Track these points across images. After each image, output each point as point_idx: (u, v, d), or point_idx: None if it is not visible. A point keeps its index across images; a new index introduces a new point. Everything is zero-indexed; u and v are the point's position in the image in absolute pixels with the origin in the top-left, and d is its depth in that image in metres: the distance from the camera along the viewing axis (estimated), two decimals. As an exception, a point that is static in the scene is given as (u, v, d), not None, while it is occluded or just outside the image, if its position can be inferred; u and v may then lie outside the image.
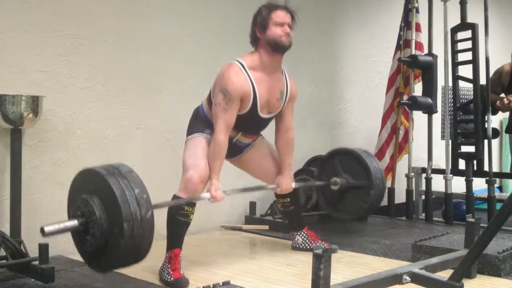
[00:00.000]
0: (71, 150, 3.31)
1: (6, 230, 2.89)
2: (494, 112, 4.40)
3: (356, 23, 5.13)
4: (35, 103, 2.92)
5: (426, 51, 4.51)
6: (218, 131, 2.83)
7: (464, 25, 4.27)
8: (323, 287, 1.85)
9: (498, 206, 3.61)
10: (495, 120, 5.77)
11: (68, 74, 3.28)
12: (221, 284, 2.42)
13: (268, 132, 3.24)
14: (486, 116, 4.22)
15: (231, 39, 3.95)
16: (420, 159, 5.18)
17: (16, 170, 2.90)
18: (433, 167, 4.49)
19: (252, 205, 4.14)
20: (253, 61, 2.91)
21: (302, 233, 3.37)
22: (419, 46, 4.62)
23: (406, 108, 4.55)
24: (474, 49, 4.17)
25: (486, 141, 4.23)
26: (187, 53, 3.82)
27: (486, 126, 4.22)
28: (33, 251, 2.81)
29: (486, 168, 4.31)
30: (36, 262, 2.66)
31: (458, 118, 4.32)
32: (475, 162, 4.32)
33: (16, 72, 3.07)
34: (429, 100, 4.32)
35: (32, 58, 3.13)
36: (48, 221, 3.17)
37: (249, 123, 2.98)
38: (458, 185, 4.65)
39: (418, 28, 4.64)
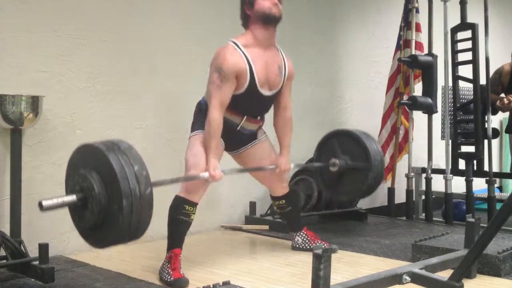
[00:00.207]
0: (71, 150, 3.28)
1: (6, 230, 2.89)
2: (494, 112, 4.40)
3: (356, 23, 5.13)
4: (35, 103, 2.92)
5: (426, 51, 4.51)
6: (212, 109, 2.81)
7: (464, 25, 4.27)
8: (323, 287, 1.85)
9: (498, 206, 3.61)
10: (495, 120, 5.77)
11: (68, 74, 3.28)
12: (221, 284, 2.42)
13: (269, 132, 3.24)
14: (486, 116, 4.22)
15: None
16: (420, 159, 5.18)
17: (16, 170, 2.90)
18: (433, 167, 4.49)
19: (252, 205, 4.14)
20: (247, 39, 2.91)
21: (302, 233, 3.37)
22: (419, 46, 4.63)
23: (406, 108, 4.55)
24: (474, 49, 4.17)
25: (486, 141, 4.23)
26: (187, 53, 3.82)
27: (486, 126, 4.22)
28: (33, 251, 2.82)
29: (486, 168, 4.31)
30: (36, 262, 2.66)
31: (458, 118, 4.32)
32: (475, 162, 4.32)
33: (16, 72, 3.07)
34: (429, 100, 4.32)
35: (32, 58, 3.13)
36: (47, 221, 3.19)
37: (251, 102, 2.95)
38: (458, 185, 4.65)
39: (418, 28, 4.64)
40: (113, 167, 2.11)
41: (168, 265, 2.76)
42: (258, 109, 3.05)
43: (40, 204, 2.14)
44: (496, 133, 4.42)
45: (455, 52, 4.30)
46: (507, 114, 4.70)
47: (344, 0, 5.02)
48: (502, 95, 4.44)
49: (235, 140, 3.04)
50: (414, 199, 4.62)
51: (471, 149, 4.23)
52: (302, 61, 4.61)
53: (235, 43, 2.88)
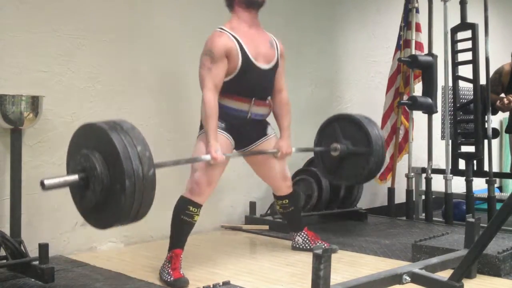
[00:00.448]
0: (71, 150, 3.30)
1: (6, 230, 2.89)
2: (494, 112, 4.40)
3: (356, 23, 5.13)
4: (35, 103, 2.92)
5: (426, 51, 4.51)
6: (205, 90, 2.83)
7: (464, 25, 4.27)
8: (323, 287, 1.85)
9: (498, 206, 3.61)
10: (495, 120, 5.77)
11: (68, 74, 3.28)
12: (221, 284, 2.42)
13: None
14: (486, 116, 4.22)
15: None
16: (420, 159, 5.18)
17: (16, 170, 2.90)
18: (433, 167, 4.49)
19: (252, 205, 4.14)
20: (231, 22, 2.96)
21: (302, 233, 3.37)
22: (419, 46, 4.63)
23: (406, 108, 4.55)
24: (474, 49, 4.17)
25: (486, 141, 4.23)
26: (187, 53, 3.82)
27: (486, 126, 4.22)
28: (33, 251, 2.82)
29: (486, 168, 4.31)
30: (36, 262, 2.65)
31: (458, 118, 4.32)
32: (475, 162, 4.32)
33: (16, 72, 3.07)
34: (429, 100, 4.32)
35: (32, 58, 3.13)
36: (47, 221, 3.19)
37: (253, 80, 2.94)
38: (458, 185, 4.65)
39: (418, 28, 4.64)
40: (116, 147, 2.10)
41: (169, 265, 2.76)
42: (262, 87, 3.03)
43: (42, 183, 2.12)
44: (496, 133, 4.42)
45: (455, 52, 4.30)
46: (507, 114, 4.70)
47: (344, 0, 5.02)
48: (502, 95, 4.44)
49: (245, 135, 3.03)
50: (414, 199, 4.62)
51: (471, 149, 4.23)
52: (302, 61, 4.61)
53: (221, 28, 2.93)
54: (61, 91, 3.24)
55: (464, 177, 4.25)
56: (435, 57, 4.34)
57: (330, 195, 4.12)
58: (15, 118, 2.86)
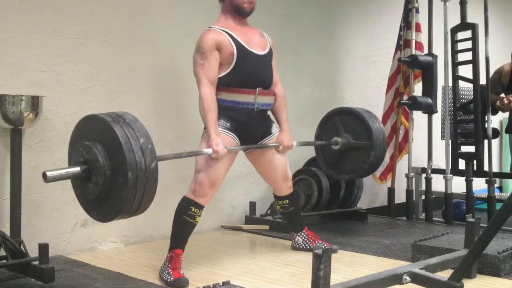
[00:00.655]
0: (71, 150, 3.30)
1: (6, 230, 2.89)
2: (494, 112, 4.40)
3: (356, 23, 5.13)
4: (35, 103, 2.92)
5: (426, 51, 4.51)
6: (200, 86, 2.86)
7: (464, 25, 4.27)
8: (323, 287, 1.85)
9: (498, 206, 3.61)
10: (495, 120, 5.77)
11: (68, 74, 3.28)
12: (221, 284, 2.42)
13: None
14: (486, 116, 4.22)
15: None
16: (420, 159, 5.18)
17: (16, 170, 2.90)
18: (433, 167, 4.49)
19: (252, 205, 4.14)
20: (220, 20, 3.02)
21: (302, 233, 3.37)
22: (419, 46, 4.62)
23: (406, 108, 4.55)
24: (474, 49, 4.17)
25: (486, 141, 4.23)
26: (187, 53, 3.82)
27: (486, 126, 4.22)
28: (33, 251, 2.82)
29: (486, 168, 4.31)
30: (36, 262, 2.66)
31: (458, 118, 4.32)
32: (475, 162, 4.32)
33: (16, 72, 3.07)
34: (429, 100, 4.32)
35: (32, 58, 3.13)
36: (47, 221, 3.19)
37: (252, 68, 2.96)
38: (458, 185, 4.65)
39: (418, 28, 4.64)
40: (119, 139, 2.09)
41: (169, 265, 2.76)
42: (262, 75, 3.03)
43: (44, 175, 2.12)
44: (496, 133, 4.42)
45: (455, 52, 4.30)
46: (507, 114, 4.70)
47: (344, 0, 5.02)
48: (502, 95, 4.43)
49: (250, 133, 3.03)
50: (414, 199, 4.62)
51: (471, 149, 4.23)
52: (302, 61, 4.61)
53: (209, 27, 2.98)
54: (61, 91, 3.24)
55: (464, 177, 4.25)
56: (435, 57, 4.34)
57: (330, 195, 4.12)
58: (15, 118, 2.86)
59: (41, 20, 3.16)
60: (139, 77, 3.60)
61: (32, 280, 2.67)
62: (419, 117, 4.79)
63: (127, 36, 3.54)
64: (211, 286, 2.32)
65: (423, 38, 4.60)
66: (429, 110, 4.37)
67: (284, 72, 4.32)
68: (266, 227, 3.95)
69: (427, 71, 4.34)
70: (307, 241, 3.35)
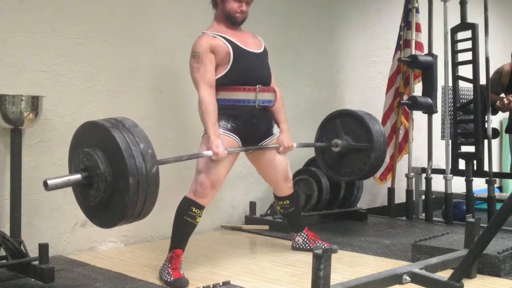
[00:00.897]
0: (71, 150, 3.30)
1: (6, 230, 2.89)
2: (494, 112, 4.40)
3: (356, 23, 5.13)
4: (35, 103, 2.92)
5: (426, 51, 4.51)
6: (199, 90, 2.88)
7: (464, 25, 4.27)
8: (323, 287, 1.85)
9: (498, 206, 3.61)
10: (495, 120, 5.77)
11: (68, 74, 3.28)
12: (221, 284, 2.41)
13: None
14: (486, 116, 4.22)
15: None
16: (420, 159, 5.18)
17: (16, 170, 2.90)
18: (433, 167, 4.49)
19: (252, 205, 4.14)
20: (213, 26, 3.05)
21: (302, 234, 3.37)
22: (419, 46, 4.62)
23: (406, 108, 4.55)
24: (474, 49, 4.17)
25: (486, 141, 4.23)
26: (187, 53, 3.82)
27: (486, 126, 4.22)
28: (33, 251, 2.82)
29: (486, 168, 4.31)
30: (36, 262, 2.66)
31: (458, 118, 4.32)
32: (475, 162, 4.32)
33: (16, 72, 3.07)
34: (429, 100, 4.32)
35: (32, 58, 3.13)
36: (47, 221, 3.19)
37: (250, 65, 2.98)
38: (458, 185, 4.65)
39: (418, 28, 4.64)
40: (119, 145, 2.09)
41: (169, 265, 2.76)
42: (261, 71, 3.05)
43: (45, 183, 2.12)
44: (496, 133, 4.42)
45: (455, 52, 4.30)
46: (507, 114, 4.70)
47: (344, 0, 5.02)
48: (502, 95, 4.43)
49: (252, 133, 3.02)
50: (414, 199, 4.61)
51: (471, 149, 4.23)
52: (302, 61, 4.61)
53: (203, 32, 3.01)
54: (61, 91, 3.24)
55: (464, 177, 4.25)
56: (435, 57, 4.34)
57: (330, 195, 4.12)
58: (15, 118, 2.86)
59: (41, 20, 3.16)
60: (139, 77, 3.60)
61: (32, 280, 2.67)
62: (419, 117, 4.78)
63: (127, 36, 3.54)
64: (211, 286, 2.32)
65: (423, 38, 4.60)
66: (429, 110, 4.37)
67: (284, 72, 4.33)
68: (266, 227, 3.95)
69: (427, 71, 4.34)
70: (307, 241, 3.35)
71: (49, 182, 2.13)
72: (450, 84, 4.36)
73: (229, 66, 2.93)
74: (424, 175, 4.55)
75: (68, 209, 3.22)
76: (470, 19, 4.27)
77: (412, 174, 4.60)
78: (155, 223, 3.55)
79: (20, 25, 3.08)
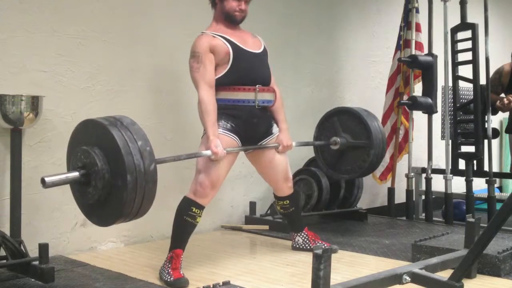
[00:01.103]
0: (71, 150, 3.30)
1: (6, 230, 2.89)
2: (494, 112, 4.40)
3: (356, 23, 5.13)
4: (35, 103, 2.92)
5: (426, 51, 4.51)
6: (199, 90, 2.88)
7: (464, 25, 4.27)
8: (323, 287, 1.85)
9: (498, 206, 3.61)
10: (495, 120, 5.77)
11: (68, 74, 3.28)
12: (221, 284, 2.41)
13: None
14: (486, 116, 4.22)
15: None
16: (420, 159, 5.18)
17: (16, 170, 2.90)
18: (433, 167, 4.49)
19: (252, 205, 4.14)
20: (212, 26, 3.05)
21: (303, 234, 3.37)
22: (419, 46, 4.62)
23: (406, 108, 4.55)
24: (474, 49, 4.17)
25: (486, 141, 4.23)
26: (187, 53, 3.82)
27: (486, 126, 4.22)
28: (33, 251, 2.82)
29: (486, 168, 4.31)
30: (36, 262, 2.65)
31: (458, 118, 4.32)
32: (475, 162, 4.32)
33: (16, 72, 3.07)
34: (429, 100, 4.32)
35: (32, 58, 3.13)
36: (47, 221, 3.19)
37: (250, 65, 2.98)
38: (458, 185, 4.65)
39: (418, 28, 4.64)
40: (117, 142, 2.09)
41: (169, 265, 2.76)
42: (261, 71, 3.05)
43: (42, 181, 2.12)
44: (496, 133, 4.42)
45: (455, 52, 4.30)
46: (507, 114, 4.70)
47: (344, 0, 5.02)
48: (502, 95, 4.43)
49: (252, 133, 3.02)
50: (414, 199, 4.61)
51: (471, 149, 4.23)
52: (302, 61, 4.61)
53: (202, 32, 3.01)
54: (61, 91, 3.24)
55: (464, 177, 4.25)
56: (435, 57, 4.34)
57: (330, 195, 4.12)
58: (15, 118, 2.86)
59: (41, 20, 3.16)
60: (139, 77, 3.60)
61: (32, 280, 2.67)
62: (419, 117, 4.78)
63: (127, 36, 3.54)
64: (211, 286, 2.32)
65: (423, 38, 4.60)
66: (429, 110, 4.37)
67: (284, 72, 4.33)
68: (266, 227, 3.95)
69: (427, 71, 4.34)
70: (307, 241, 3.35)
71: (46, 179, 2.13)
72: (450, 84, 4.37)
73: (228, 66, 2.93)
74: (424, 175, 4.55)
75: (68, 209, 3.22)
76: (470, 19, 4.27)
77: (412, 174, 4.60)
78: (155, 223, 3.55)
79: (20, 25, 3.08)
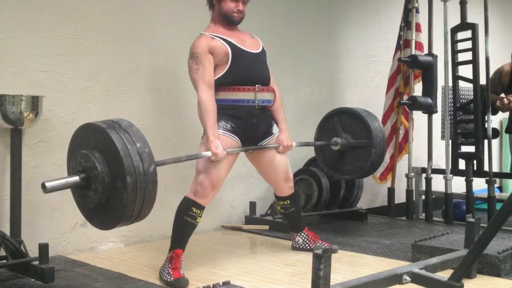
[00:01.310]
0: (71, 150, 3.30)
1: (6, 230, 2.89)
2: (494, 112, 4.40)
3: (356, 24, 5.13)
4: (35, 103, 2.92)
5: (426, 51, 4.51)
6: (198, 90, 2.88)
7: (464, 25, 4.27)
8: (323, 287, 1.85)
9: (498, 206, 3.61)
10: (495, 120, 5.77)
11: (68, 74, 3.28)
12: (221, 284, 2.41)
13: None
14: (486, 116, 4.22)
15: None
16: (420, 159, 5.18)
17: (16, 170, 2.90)
18: (433, 167, 4.49)
19: (252, 205, 4.14)
20: (210, 27, 3.05)
21: (303, 234, 3.37)
22: (419, 46, 4.62)
23: (406, 108, 4.55)
24: (474, 49, 4.17)
25: (486, 141, 4.23)
26: (186, 53, 3.82)
27: (486, 126, 4.22)
28: (33, 251, 2.82)
29: (486, 168, 4.31)
30: (36, 262, 2.66)
31: (458, 118, 4.32)
32: (475, 162, 4.32)
33: (16, 72, 3.07)
34: (429, 100, 4.32)
35: (32, 58, 3.13)
36: (47, 221, 3.19)
37: (249, 65, 2.99)
38: (458, 185, 4.65)
39: (418, 28, 4.64)
40: (115, 145, 2.10)
41: (169, 265, 2.76)
42: (260, 71, 3.06)
43: (43, 186, 2.12)
44: (496, 133, 4.42)
45: (455, 52, 4.30)
46: (507, 114, 4.70)
47: (344, 1, 5.02)
48: (502, 95, 4.43)
49: (251, 131, 3.02)
50: (414, 199, 4.61)
51: (471, 149, 4.23)
52: (302, 61, 4.61)
53: (201, 33, 3.01)
54: (61, 91, 3.24)
55: (464, 177, 4.25)
56: (435, 57, 4.34)
57: (330, 195, 4.12)
58: (15, 118, 2.86)
59: (41, 20, 3.16)
60: (139, 77, 3.60)
61: (32, 280, 2.67)
62: (419, 117, 4.78)
63: (127, 36, 3.54)
64: (211, 286, 2.32)
65: (423, 38, 4.60)
66: (429, 110, 4.37)
67: (284, 72, 4.33)
68: (266, 227, 3.95)
69: (427, 71, 4.34)
70: (307, 241, 3.35)
71: (47, 184, 2.13)
72: (450, 84, 4.37)
73: (227, 67, 2.93)
74: (424, 175, 4.55)
75: (68, 209, 3.22)
76: (470, 19, 4.27)
77: (412, 174, 4.60)
78: (155, 223, 3.54)
79: (20, 25, 3.08)
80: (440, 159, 5.14)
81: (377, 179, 4.71)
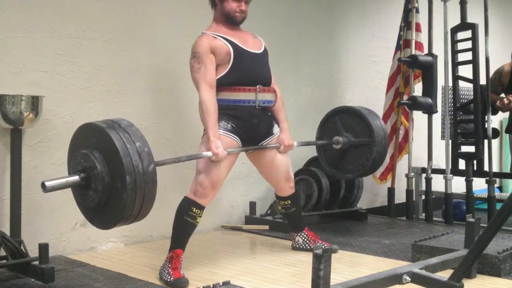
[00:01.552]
0: (71, 150, 3.30)
1: (6, 230, 2.89)
2: (494, 112, 4.40)
3: (356, 24, 5.13)
4: (35, 103, 2.92)
5: (426, 51, 4.51)
6: (200, 90, 2.88)
7: (464, 25, 4.27)
8: (323, 287, 1.85)
9: (498, 206, 3.61)
10: (495, 120, 5.77)
11: (68, 74, 3.28)
12: (221, 284, 2.41)
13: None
14: (486, 116, 4.22)
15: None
16: (420, 159, 5.18)
17: (16, 170, 2.90)
18: (433, 167, 4.49)
19: (252, 205, 4.14)
20: (212, 27, 3.04)
21: (303, 234, 3.37)
22: (419, 46, 4.62)
23: (406, 108, 4.55)
24: (474, 49, 4.17)
25: (486, 141, 4.23)
26: (187, 53, 3.82)
27: (486, 126, 4.22)
28: (33, 251, 2.82)
29: (486, 168, 4.31)
30: (36, 262, 2.66)
31: (458, 118, 4.32)
32: (475, 162, 4.32)
33: (16, 72, 3.07)
34: (429, 100, 4.32)
35: (32, 58, 3.13)
36: (47, 221, 3.19)
37: (250, 65, 2.99)
38: (458, 185, 4.65)
39: (418, 28, 4.64)
40: (115, 144, 2.10)
41: (169, 265, 2.76)
42: (261, 72, 3.06)
43: (43, 185, 2.12)
44: (496, 133, 4.42)
45: (455, 52, 4.30)
46: (507, 114, 4.70)
47: (344, 1, 5.02)
48: (502, 95, 4.43)
49: (252, 131, 3.02)
50: (414, 199, 4.61)
51: (471, 149, 4.23)
52: (302, 61, 4.61)
53: (202, 32, 3.01)
54: (61, 91, 3.24)
55: (464, 177, 4.25)
56: (435, 57, 4.34)
57: (330, 195, 4.12)
58: (15, 118, 2.86)
59: (41, 20, 3.16)
60: (139, 77, 3.60)
61: (32, 280, 2.67)
62: (419, 117, 4.78)
63: (127, 36, 3.54)
64: (211, 286, 2.32)
65: (423, 38, 4.60)
66: (429, 110, 4.37)
67: (284, 72, 4.33)
68: (266, 227, 3.95)
69: (427, 71, 4.34)
70: (307, 241, 3.35)
71: (47, 184, 2.14)
72: (450, 84, 4.37)
73: (229, 66, 2.93)
74: (424, 175, 4.55)
75: (68, 209, 3.22)
76: (470, 19, 4.27)
77: (412, 174, 4.60)
78: (155, 223, 3.55)
79: (20, 25, 3.08)
80: (440, 159, 5.14)
81: (377, 179, 4.71)
